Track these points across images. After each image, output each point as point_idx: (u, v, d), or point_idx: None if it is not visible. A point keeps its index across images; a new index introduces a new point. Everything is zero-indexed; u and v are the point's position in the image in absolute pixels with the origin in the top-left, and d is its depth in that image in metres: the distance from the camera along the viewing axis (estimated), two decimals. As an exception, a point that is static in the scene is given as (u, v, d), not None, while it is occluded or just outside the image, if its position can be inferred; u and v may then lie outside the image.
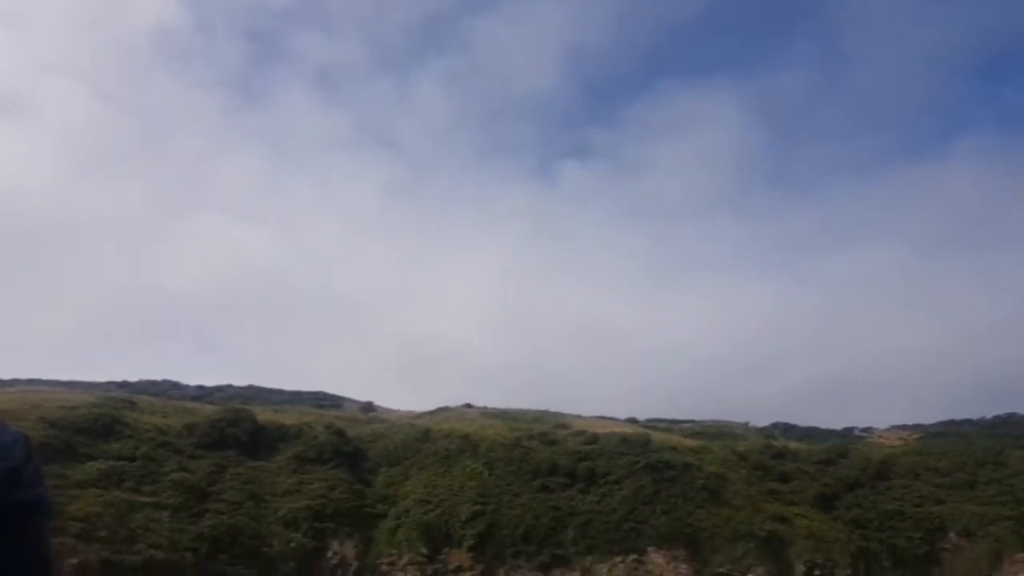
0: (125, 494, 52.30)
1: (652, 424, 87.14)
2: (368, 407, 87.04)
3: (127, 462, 55.49)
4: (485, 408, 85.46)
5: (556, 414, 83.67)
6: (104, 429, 57.64)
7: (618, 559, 60.54)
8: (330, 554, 58.69)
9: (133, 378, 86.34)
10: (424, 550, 60.35)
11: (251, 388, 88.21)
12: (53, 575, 1.02)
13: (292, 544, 57.00)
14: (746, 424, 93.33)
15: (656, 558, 60.84)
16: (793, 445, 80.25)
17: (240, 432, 65.44)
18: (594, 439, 72.94)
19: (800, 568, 62.05)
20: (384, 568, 59.46)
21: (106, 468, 52.01)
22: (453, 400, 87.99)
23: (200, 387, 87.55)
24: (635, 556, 60.75)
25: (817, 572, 61.74)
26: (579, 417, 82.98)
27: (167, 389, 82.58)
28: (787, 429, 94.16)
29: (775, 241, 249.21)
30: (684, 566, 60.31)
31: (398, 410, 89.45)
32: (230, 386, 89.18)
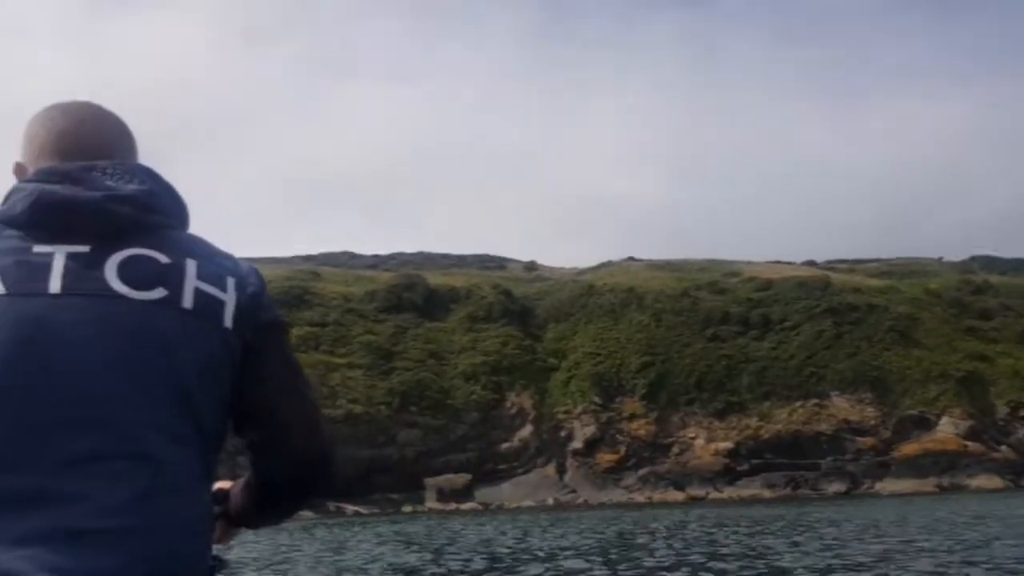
0: (322, 356, 56.98)
1: (832, 265, 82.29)
2: (531, 266, 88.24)
3: (320, 328, 60.17)
4: (649, 260, 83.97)
5: (724, 262, 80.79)
6: (296, 299, 62.28)
7: (798, 404, 59.12)
8: (508, 404, 61.57)
9: (314, 251, 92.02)
10: (597, 399, 61.85)
11: (420, 254, 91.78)
12: (305, 379, 1.10)
13: (473, 396, 60.27)
14: (939, 259, 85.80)
15: (839, 402, 58.84)
16: (995, 279, 73.09)
17: (415, 296, 68.68)
18: (767, 285, 70.08)
19: (1003, 409, 57.82)
20: (560, 416, 61.76)
21: (303, 334, 56.46)
22: (616, 254, 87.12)
23: (375, 256, 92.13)
24: (816, 400, 59.01)
25: (1022, 413, 57.26)
26: (750, 263, 79.67)
27: (346, 260, 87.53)
28: (988, 262, 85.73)
29: (977, 45, 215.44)
30: (871, 409, 57.96)
31: (561, 267, 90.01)
32: (402, 253, 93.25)
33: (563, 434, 60.66)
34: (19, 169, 1.16)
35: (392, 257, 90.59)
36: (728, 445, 57.63)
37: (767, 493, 53.35)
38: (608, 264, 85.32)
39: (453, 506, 50.63)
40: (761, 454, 57.16)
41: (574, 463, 58.91)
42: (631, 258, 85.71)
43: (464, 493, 53.19)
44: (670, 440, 59.13)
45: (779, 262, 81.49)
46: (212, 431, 1.02)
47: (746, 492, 53.72)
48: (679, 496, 53.79)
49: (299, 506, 1.16)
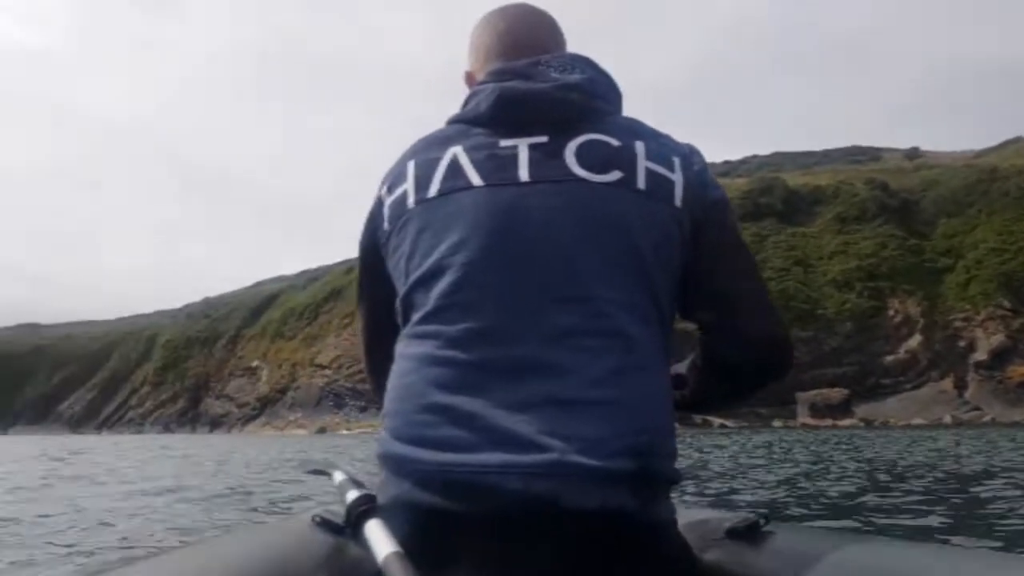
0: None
1: None
2: (913, 153, 76.93)
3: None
4: (1075, 130, 68.01)
5: None
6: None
7: None
8: (891, 313, 55.34)
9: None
10: (1006, 303, 52.60)
11: (777, 155, 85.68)
12: (753, 259, 1.13)
13: (847, 305, 55.33)
14: None
15: None
16: None
17: (774, 200, 64.58)
18: None
19: None
20: (957, 324, 53.92)
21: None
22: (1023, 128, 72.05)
23: (726, 162, 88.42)
24: None
25: None
26: None
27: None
28: None
29: None
30: None
31: (950, 151, 77.28)
32: (755, 156, 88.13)
33: (962, 344, 53.10)
34: (469, 77, 1.24)
35: (744, 162, 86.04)
36: None
37: None
38: (1016, 141, 70.99)
39: (829, 422, 47.32)
40: None
41: (977, 377, 51.29)
42: (1048, 130, 70.03)
43: (841, 409, 49.36)
44: (1112, 350, 48.06)
45: None
46: (668, 311, 1.06)
47: None
48: None
49: (754, 390, 1.15)
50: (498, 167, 1.06)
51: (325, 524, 1.03)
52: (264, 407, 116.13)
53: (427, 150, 1.12)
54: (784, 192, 65.22)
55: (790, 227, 62.65)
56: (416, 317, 1.05)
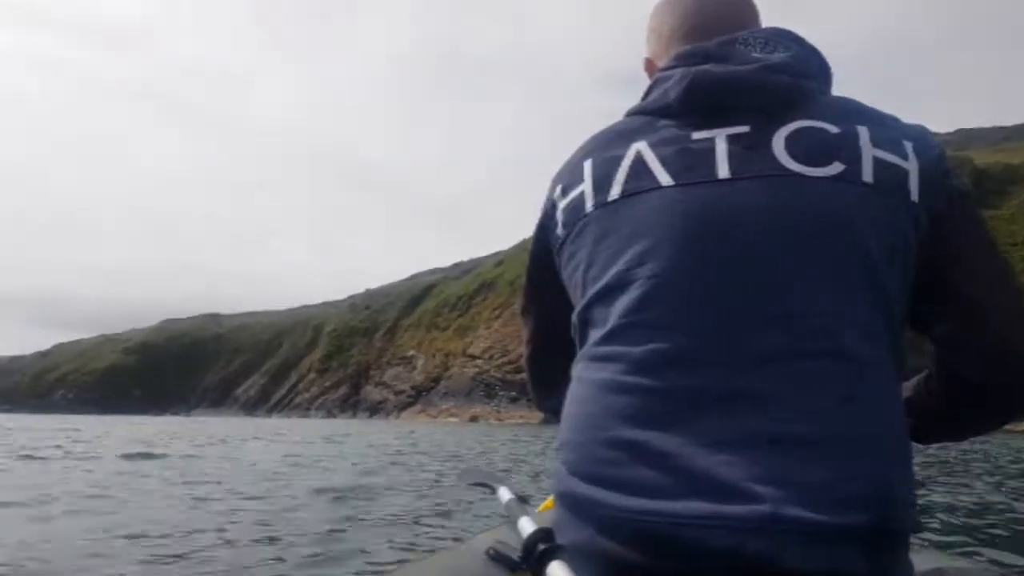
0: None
1: None
2: None
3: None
4: None
5: None
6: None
7: None
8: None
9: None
10: None
11: (960, 132, 78.04)
12: (1004, 260, 0.94)
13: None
14: None
15: None
16: None
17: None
18: None
19: None
20: None
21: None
22: None
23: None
24: None
25: None
26: None
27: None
28: None
29: None
30: None
31: None
32: (936, 133, 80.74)
33: None
34: (649, 64, 1.11)
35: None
36: None
37: None
38: None
39: (1027, 425, 42.13)
40: None
41: None
42: None
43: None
44: None
45: None
46: (900, 326, 0.90)
47: None
48: None
49: (1002, 417, 0.94)
50: (691, 163, 0.91)
51: (501, 559, 0.95)
52: (419, 395, 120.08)
53: (606, 147, 0.99)
54: (972, 172, 59.18)
55: (978, 210, 56.83)
56: (596, 336, 0.92)
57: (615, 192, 0.94)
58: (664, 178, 0.91)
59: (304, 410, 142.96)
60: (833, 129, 0.90)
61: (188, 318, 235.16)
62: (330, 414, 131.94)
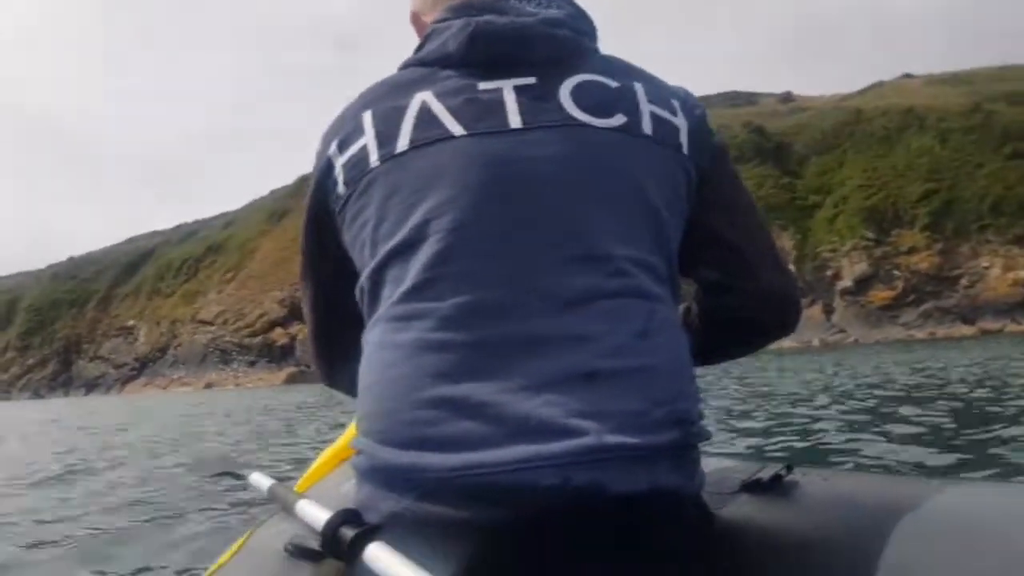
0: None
1: None
2: (786, 97, 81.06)
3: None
4: (928, 76, 73.41)
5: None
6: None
7: None
8: (767, 246, 58.73)
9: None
10: (869, 234, 56.80)
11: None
12: (759, 210, 1.02)
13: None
14: None
15: None
16: None
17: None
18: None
19: None
20: (825, 255, 57.81)
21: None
22: (886, 72, 77.32)
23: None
24: None
25: None
26: (1061, 64, 66.69)
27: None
28: None
29: None
30: None
31: (821, 96, 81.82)
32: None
33: (829, 273, 56.90)
34: (416, 19, 1.10)
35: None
36: (1031, 274, 50.50)
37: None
38: (879, 85, 75.96)
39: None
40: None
41: (843, 302, 55.28)
42: (906, 75, 75.44)
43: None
44: (957, 272, 52.99)
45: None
46: (676, 268, 0.94)
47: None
48: (968, 330, 48.43)
49: (760, 346, 1.06)
50: (481, 113, 0.90)
51: (302, 553, 0.86)
52: (144, 366, 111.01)
53: (385, 97, 0.95)
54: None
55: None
56: (395, 295, 0.87)
57: (403, 144, 0.90)
58: (455, 128, 0.89)
59: (4, 392, 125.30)
60: (613, 83, 0.93)
61: None
62: (37, 394, 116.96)
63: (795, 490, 0.91)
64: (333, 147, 0.96)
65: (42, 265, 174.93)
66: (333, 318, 1.05)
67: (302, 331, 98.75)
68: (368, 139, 0.93)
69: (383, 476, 0.82)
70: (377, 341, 0.88)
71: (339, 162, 0.95)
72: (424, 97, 0.92)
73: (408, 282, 0.86)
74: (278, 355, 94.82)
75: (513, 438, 0.76)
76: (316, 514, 0.87)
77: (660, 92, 0.96)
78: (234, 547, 1.07)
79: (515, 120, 0.89)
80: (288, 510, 0.97)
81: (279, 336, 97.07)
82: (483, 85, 0.92)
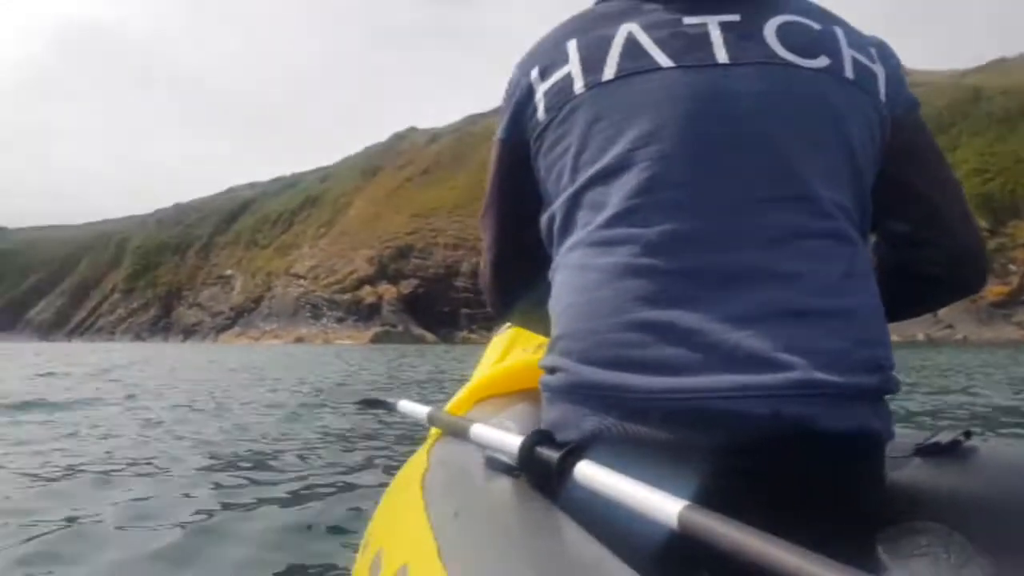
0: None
1: None
2: (900, 72, 76.29)
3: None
4: (1062, 51, 67.77)
5: None
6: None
7: None
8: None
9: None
10: (984, 224, 53.41)
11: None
12: (949, 165, 1.00)
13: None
14: None
15: None
16: None
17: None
18: None
19: None
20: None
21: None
22: (1011, 47, 71.81)
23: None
24: None
25: None
26: None
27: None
28: None
29: None
30: None
31: (935, 70, 76.87)
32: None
33: (936, 263, 54.05)
34: None
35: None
36: None
37: None
38: (1001, 62, 70.69)
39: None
40: None
41: (949, 296, 52.53)
42: (1035, 51, 69.71)
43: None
44: (1081, 271, 49.42)
45: None
46: (869, 215, 0.94)
47: None
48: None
49: (944, 304, 1.04)
50: (688, 46, 0.90)
51: (505, 468, 0.85)
52: (238, 317, 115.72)
53: (591, 27, 0.95)
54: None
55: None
56: (597, 221, 0.88)
57: (609, 72, 0.91)
58: (663, 59, 0.90)
59: (109, 333, 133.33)
60: (815, 25, 0.93)
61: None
62: (138, 337, 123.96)
63: (975, 455, 0.89)
64: (535, 73, 0.97)
65: (149, 210, 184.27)
66: (514, 249, 1.06)
67: (388, 291, 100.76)
68: (573, 66, 0.93)
69: (584, 395, 0.83)
70: (577, 264, 0.88)
71: (540, 88, 0.95)
72: (631, 28, 0.93)
73: (611, 208, 0.87)
74: (365, 313, 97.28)
75: (721, 366, 0.77)
76: (500, 436, 0.87)
77: (858, 39, 0.95)
78: (410, 471, 1.03)
79: (721, 55, 0.89)
80: (458, 434, 0.96)
81: (368, 294, 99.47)
82: (688, 20, 0.92)
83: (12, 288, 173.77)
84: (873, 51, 0.96)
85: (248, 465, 3.62)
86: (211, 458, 3.80)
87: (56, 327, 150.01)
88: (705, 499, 0.67)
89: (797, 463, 0.77)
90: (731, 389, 0.76)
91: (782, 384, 0.76)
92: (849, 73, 0.91)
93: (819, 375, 0.76)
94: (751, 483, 0.75)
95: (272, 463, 3.66)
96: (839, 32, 0.94)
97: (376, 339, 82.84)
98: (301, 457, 3.82)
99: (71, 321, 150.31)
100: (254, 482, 3.19)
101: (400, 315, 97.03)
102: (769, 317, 0.80)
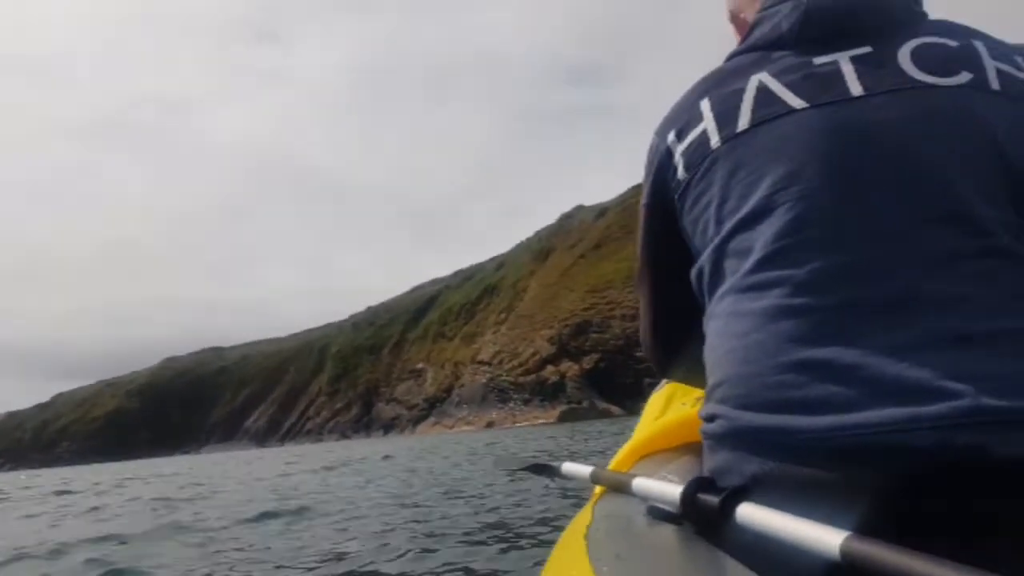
0: None
1: None
2: None
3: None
4: None
5: None
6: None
7: None
8: None
9: None
10: None
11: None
12: None
13: None
14: None
15: None
16: None
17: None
18: None
19: None
20: None
21: None
22: None
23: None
24: None
25: None
26: None
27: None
28: None
29: None
30: None
31: None
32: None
33: None
34: (735, 17, 1.15)
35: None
36: None
37: None
38: None
39: None
40: None
41: None
42: None
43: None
44: None
45: None
46: None
47: None
48: None
49: None
50: (820, 85, 0.91)
51: (667, 516, 0.87)
52: (432, 407, 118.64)
53: (722, 83, 0.98)
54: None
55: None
56: (744, 267, 0.88)
57: (743, 123, 0.92)
58: (796, 102, 0.90)
59: (316, 435, 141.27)
60: (952, 43, 0.91)
61: (189, 354, 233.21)
62: (344, 436, 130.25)
63: None
64: (671, 136, 1.00)
65: (344, 316, 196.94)
66: (670, 307, 1.07)
67: (571, 368, 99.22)
68: (708, 123, 0.95)
69: (745, 440, 0.82)
70: (728, 311, 0.89)
71: (679, 149, 0.98)
72: (761, 77, 0.94)
73: (758, 252, 0.87)
74: (550, 392, 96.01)
75: (884, 400, 0.75)
76: (661, 487, 0.89)
77: (1003, 49, 0.93)
78: (576, 525, 1.06)
79: (856, 88, 0.89)
80: (621, 489, 1.00)
81: (551, 373, 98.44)
82: (819, 60, 0.93)
83: (231, 401, 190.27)
84: (1020, 59, 0.93)
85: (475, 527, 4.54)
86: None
87: (270, 433, 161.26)
88: (872, 534, 0.66)
89: (971, 494, 0.72)
90: (895, 422, 0.74)
91: (950, 413, 0.73)
92: (995, 85, 0.89)
93: (989, 401, 0.73)
94: (920, 517, 0.72)
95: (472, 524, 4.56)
96: (980, 45, 0.92)
97: (563, 417, 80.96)
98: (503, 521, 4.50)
99: (283, 427, 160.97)
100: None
101: (585, 391, 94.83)
102: (931, 345, 0.77)
